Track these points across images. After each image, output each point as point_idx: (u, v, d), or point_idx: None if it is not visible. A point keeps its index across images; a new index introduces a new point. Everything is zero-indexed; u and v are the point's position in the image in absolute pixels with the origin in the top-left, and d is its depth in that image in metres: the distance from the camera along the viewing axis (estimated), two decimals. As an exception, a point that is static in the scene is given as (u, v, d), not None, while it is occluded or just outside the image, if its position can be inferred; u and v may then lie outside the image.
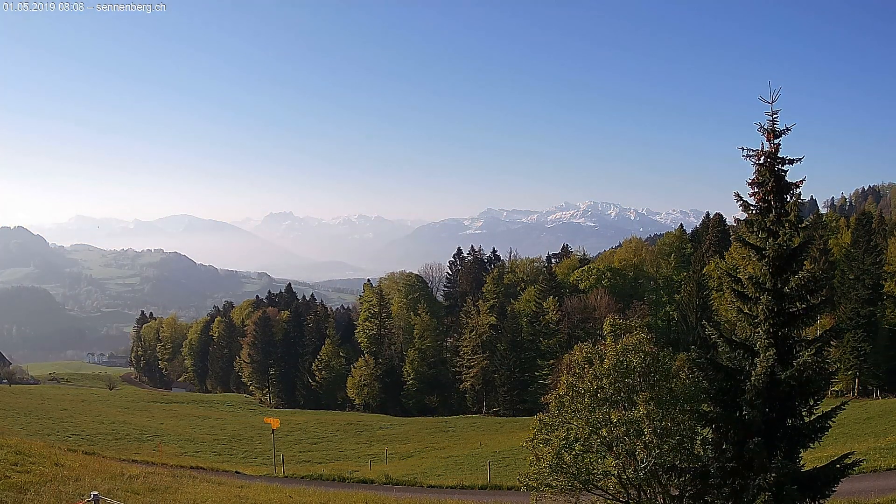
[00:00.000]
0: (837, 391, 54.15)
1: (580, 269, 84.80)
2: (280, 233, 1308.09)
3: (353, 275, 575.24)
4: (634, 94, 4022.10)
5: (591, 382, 13.85)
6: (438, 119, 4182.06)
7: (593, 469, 13.78)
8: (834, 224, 73.31)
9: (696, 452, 13.53)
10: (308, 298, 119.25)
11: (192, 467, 30.82)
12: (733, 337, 13.55)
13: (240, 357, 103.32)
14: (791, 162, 12.66)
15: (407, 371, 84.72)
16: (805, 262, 13.08)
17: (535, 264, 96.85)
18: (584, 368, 14.42)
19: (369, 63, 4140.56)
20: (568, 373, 14.81)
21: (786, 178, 12.73)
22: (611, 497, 14.09)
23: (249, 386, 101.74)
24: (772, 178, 12.70)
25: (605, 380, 13.72)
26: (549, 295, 76.40)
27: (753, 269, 13.10)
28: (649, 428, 12.79)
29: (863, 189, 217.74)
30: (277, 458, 35.93)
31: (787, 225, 12.57)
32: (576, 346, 16.04)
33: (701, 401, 13.51)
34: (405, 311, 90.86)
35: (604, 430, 13.23)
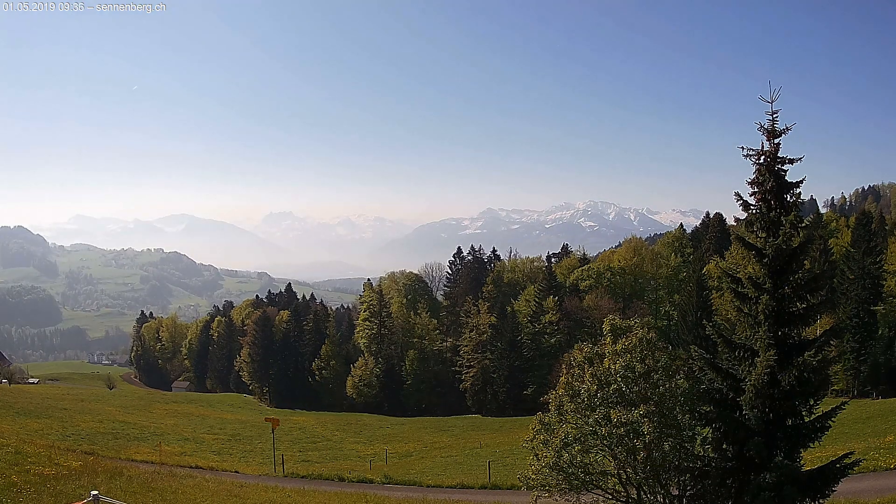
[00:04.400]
0: (837, 391, 54.13)
1: (580, 268, 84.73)
2: (280, 233, 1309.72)
3: (353, 275, 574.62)
4: (634, 93, 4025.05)
5: (590, 383, 13.84)
6: (438, 119, 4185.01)
7: (593, 469, 13.77)
8: (834, 224, 73.32)
9: (696, 452, 13.53)
10: (308, 298, 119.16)
11: (191, 467, 30.87)
12: (733, 337, 13.56)
13: (240, 357, 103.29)
14: (791, 161, 12.67)
15: (407, 371, 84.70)
16: (805, 262, 13.07)
17: (535, 264, 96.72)
18: (583, 368, 14.40)
19: (369, 63, 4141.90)
20: (567, 373, 14.78)
21: (786, 178, 12.74)
22: (611, 496, 14.09)
23: (249, 385, 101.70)
24: (771, 177, 12.70)
25: (605, 379, 13.70)
26: (549, 294, 76.37)
27: (753, 269, 13.09)
28: (649, 427, 12.78)
29: (863, 189, 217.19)
30: (277, 457, 35.95)
31: (786, 225, 12.56)
32: (576, 346, 15.99)
33: (701, 401, 13.51)
34: (405, 311, 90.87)
35: (603, 430, 13.22)
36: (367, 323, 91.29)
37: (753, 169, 12.91)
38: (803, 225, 12.91)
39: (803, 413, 12.72)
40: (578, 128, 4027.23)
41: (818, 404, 12.79)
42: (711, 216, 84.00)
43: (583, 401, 13.87)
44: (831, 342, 13.44)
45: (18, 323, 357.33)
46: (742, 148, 12.96)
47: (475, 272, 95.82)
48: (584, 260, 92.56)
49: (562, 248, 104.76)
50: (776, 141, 12.67)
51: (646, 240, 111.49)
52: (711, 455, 13.29)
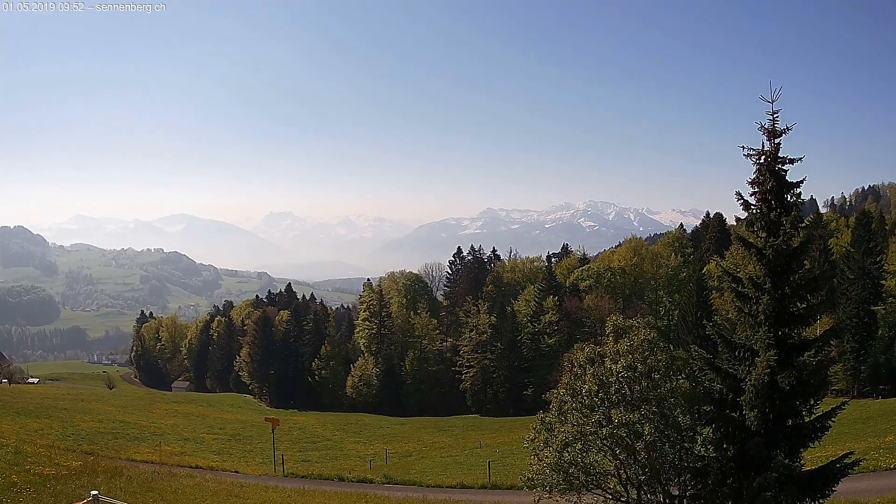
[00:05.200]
0: (837, 391, 54.11)
1: (580, 268, 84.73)
2: (280, 233, 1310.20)
3: (353, 275, 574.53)
4: (635, 92, 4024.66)
5: (591, 383, 13.84)
6: (438, 119, 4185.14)
7: (593, 469, 13.77)
8: (834, 224, 73.32)
9: (696, 452, 13.53)
10: (308, 298, 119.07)
11: (191, 467, 30.89)
12: (733, 337, 13.55)
13: (239, 357, 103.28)
14: (791, 161, 12.66)
15: (406, 371, 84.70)
16: (805, 263, 13.07)
17: (535, 264, 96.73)
18: (584, 369, 14.40)
19: (370, 62, 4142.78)
20: (569, 372, 14.78)
21: (786, 178, 12.73)
22: (611, 497, 14.09)
23: (249, 385, 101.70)
24: (772, 177, 12.69)
25: (606, 379, 13.70)
26: (549, 294, 76.37)
27: (753, 269, 13.09)
28: (650, 428, 12.78)
29: (863, 189, 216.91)
30: (277, 457, 35.96)
31: (787, 225, 12.56)
32: (576, 346, 15.99)
33: (701, 401, 13.51)
34: (405, 311, 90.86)
35: (604, 431, 13.22)
36: (367, 323, 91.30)
37: (754, 169, 12.91)
38: (803, 225, 12.90)
39: (803, 413, 12.72)
40: (579, 127, 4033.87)
41: (818, 404, 12.78)
42: (711, 216, 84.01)
43: (583, 401, 13.87)
44: (831, 342, 13.46)
45: (18, 323, 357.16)
46: (742, 148, 12.96)
47: (475, 272, 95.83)
48: (584, 260, 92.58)
49: (562, 248, 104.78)
50: (776, 141, 12.66)
51: (646, 240, 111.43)
52: (711, 455, 13.28)
